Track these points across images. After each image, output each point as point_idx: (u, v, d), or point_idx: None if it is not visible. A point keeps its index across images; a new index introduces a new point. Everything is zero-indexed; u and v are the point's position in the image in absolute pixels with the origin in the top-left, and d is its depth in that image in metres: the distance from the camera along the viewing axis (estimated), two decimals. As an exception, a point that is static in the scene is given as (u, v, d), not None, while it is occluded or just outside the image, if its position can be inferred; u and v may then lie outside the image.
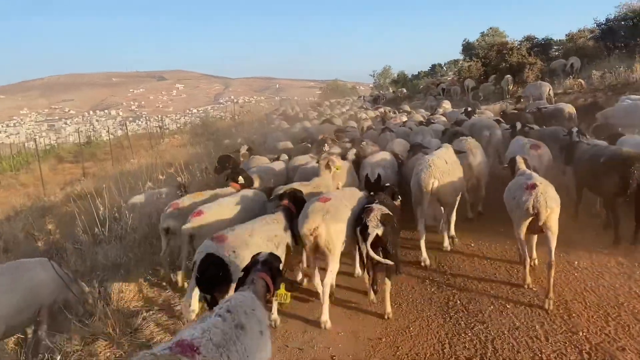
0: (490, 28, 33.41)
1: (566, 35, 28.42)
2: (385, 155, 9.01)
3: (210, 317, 3.14)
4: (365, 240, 5.34)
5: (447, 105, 23.09)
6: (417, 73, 55.22)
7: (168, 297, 6.78)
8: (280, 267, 4.09)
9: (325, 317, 5.59)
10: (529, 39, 29.70)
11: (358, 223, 5.54)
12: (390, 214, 5.56)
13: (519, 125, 10.32)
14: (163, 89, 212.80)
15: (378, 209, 5.50)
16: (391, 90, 44.43)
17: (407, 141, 11.17)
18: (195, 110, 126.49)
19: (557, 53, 30.33)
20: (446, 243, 7.42)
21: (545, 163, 8.11)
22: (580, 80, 20.19)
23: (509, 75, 25.79)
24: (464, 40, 34.42)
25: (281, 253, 5.38)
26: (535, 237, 6.22)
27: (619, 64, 21.40)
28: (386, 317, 5.66)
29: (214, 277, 4.76)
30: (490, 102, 24.26)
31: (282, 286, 3.92)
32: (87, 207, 9.80)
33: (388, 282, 5.66)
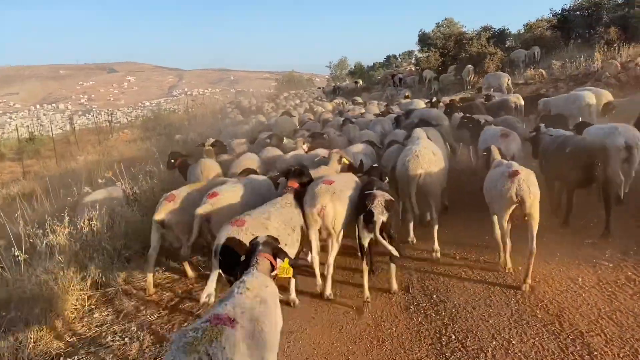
0: (446, 19, 32.86)
1: (524, 25, 28.25)
2: (363, 145, 9.09)
3: (233, 296, 3.26)
4: (369, 227, 5.32)
5: (408, 94, 22.70)
6: (372, 64, 55.61)
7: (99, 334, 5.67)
8: (284, 247, 4.34)
9: (328, 290, 5.92)
10: (486, 29, 29.40)
11: (361, 210, 5.46)
12: (393, 199, 5.51)
13: (458, 116, 10.34)
14: (114, 81, 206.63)
15: (382, 195, 5.42)
16: (347, 82, 43.72)
17: (371, 131, 11.24)
18: (148, 103, 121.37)
19: (513, 44, 30.27)
20: (436, 246, 6.78)
21: (514, 151, 8.00)
22: (541, 70, 19.86)
23: (470, 66, 25.45)
24: (419, 31, 33.84)
25: (297, 236, 5.59)
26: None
27: (578, 54, 21.23)
28: (392, 291, 5.87)
29: (236, 260, 4.59)
30: (451, 93, 23.87)
31: (286, 261, 4.05)
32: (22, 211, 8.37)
33: (393, 265, 5.81)
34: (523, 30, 28.57)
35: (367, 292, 5.76)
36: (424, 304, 5.62)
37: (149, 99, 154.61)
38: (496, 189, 5.79)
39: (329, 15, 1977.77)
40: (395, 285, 5.91)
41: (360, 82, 41.24)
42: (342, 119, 13.76)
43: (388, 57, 56.28)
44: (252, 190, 6.66)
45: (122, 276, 6.93)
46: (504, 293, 5.62)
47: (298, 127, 15.27)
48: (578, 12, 27.48)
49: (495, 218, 6.01)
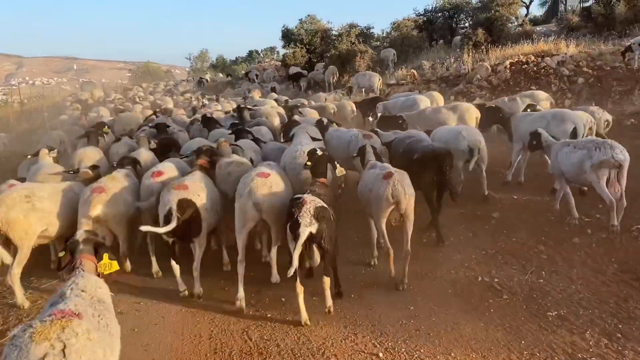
0: (309, 15, 31.60)
1: (391, 23, 27.71)
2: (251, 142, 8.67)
3: (68, 298, 3.21)
4: (295, 238, 4.71)
5: (257, 93, 21.25)
6: (235, 58, 54.97)
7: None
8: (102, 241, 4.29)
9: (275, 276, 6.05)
10: (352, 26, 28.48)
11: (289, 218, 4.94)
12: (326, 206, 4.98)
13: (325, 121, 9.89)
14: None
15: (311, 202, 4.87)
16: (208, 77, 41.09)
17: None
18: None
19: (379, 43, 29.81)
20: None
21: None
22: (413, 70, 19.05)
23: (332, 66, 24.19)
24: (283, 27, 32.34)
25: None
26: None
27: (444, 55, 20.93)
28: (327, 311, 5.20)
29: (191, 220, 5.59)
30: (320, 92, 22.45)
31: (105, 257, 3.96)
32: None
33: (326, 279, 5.12)
34: (390, 29, 27.99)
35: (304, 315, 5.10)
36: None
37: None
38: (371, 192, 5.81)
39: (187, 3, 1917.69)
40: (329, 301, 5.22)
41: (221, 75, 38.89)
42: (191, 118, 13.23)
43: (250, 52, 55.59)
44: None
45: None
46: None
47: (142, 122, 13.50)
48: (440, 14, 27.68)
49: (372, 221, 6.13)
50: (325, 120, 9.80)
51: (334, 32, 30.01)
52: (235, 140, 8.53)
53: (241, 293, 5.50)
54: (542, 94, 12.24)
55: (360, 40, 26.56)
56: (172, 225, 5.37)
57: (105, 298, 3.49)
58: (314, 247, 4.83)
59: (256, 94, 20.70)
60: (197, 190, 5.81)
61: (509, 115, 9.53)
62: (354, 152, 7.26)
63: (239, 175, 6.22)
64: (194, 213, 5.61)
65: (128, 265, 6.69)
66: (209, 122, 11.15)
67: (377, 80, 19.28)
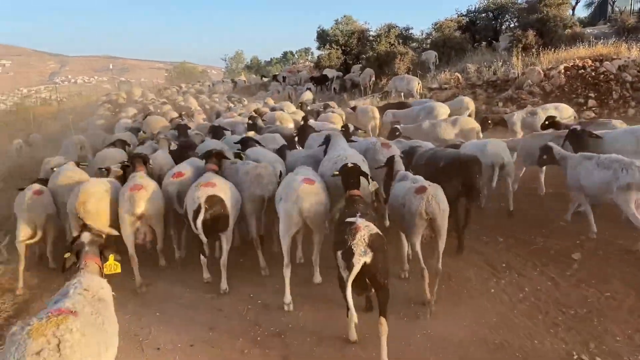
0: (345, 16, 30.55)
1: (433, 24, 26.22)
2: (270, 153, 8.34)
3: (70, 296, 3.34)
4: (348, 268, 4.19)
5: (270, 100, 20.48)
6: (269, 59, 55.21)
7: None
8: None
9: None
10: (390, 27, 27.21)
11: (340, 245, 4.37)
12: (381, 234, 4.42)
13: (351, 127, 9.65)
14: None
15: (365, 228, 4.33)
16: (242, 78, 40.64)
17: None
18: (25, 90, 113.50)
19: (417, 45, 28.47)
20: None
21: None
22: (457, 74, 17.74)
23: (369, 69, 22.98)
24: (318, 27, 31.30)
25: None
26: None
27: (489, 58, 19.53)
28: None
29: (219, 215, 5.90)
30: (356, 96, 21.39)
31: (111, 258, 4.18)
32: None
33: (383, 322, 4.37)
34: (431, 30, 26.52)
35: (353, 334, 4.89)
36: None
37: (27, 85, 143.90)
38: (404, 207, 5.42)
39: (225, 6, 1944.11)
40: (384, 353, 4.44)
41: (264, 78, 38.39)
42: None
43: (285, 54, 55.65)
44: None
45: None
46: None
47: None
48: (483, 14, 26.21)
49: (404, 237, 5.85)
50: (351, 127, 9.63)
51: (371, 33, 28.77)
52: (243, 149, 8.50)
53: (288, 297, 5.64)
54: (568, 110, 10.92)
55: (400, 41, 25.24)
56: (201, 218, 5.69)
57: (107, 297, 3.65)
58: (367, 280, 4.32)
59: (270, 100, 20.19)
60: (224, 188, 6.16)
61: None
62: (372, 162, 7.10)
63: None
64: (222, 209, 5.92)
65: (163, 260, 7.09)
66: (217, 133, 11.07)
67: (416, 84, 18.12)
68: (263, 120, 12.77)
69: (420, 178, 5.75)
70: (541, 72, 15.47)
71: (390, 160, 6.50)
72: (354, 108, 15.11)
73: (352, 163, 5.78)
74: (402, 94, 18.25)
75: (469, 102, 13.71)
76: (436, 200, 5.22)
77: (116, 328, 3.56)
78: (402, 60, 22.25)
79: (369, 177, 5.77)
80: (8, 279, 6.96)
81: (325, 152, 7.50)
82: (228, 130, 11.66)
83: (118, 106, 24.27)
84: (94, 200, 6.21)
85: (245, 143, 8.87)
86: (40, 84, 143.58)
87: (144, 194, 6.29)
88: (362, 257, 4.17)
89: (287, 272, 5.62)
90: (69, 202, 6.49)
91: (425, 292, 5.37)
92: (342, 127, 10.01)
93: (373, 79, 22.72)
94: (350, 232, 4.33)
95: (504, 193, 8.14)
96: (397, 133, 10.29)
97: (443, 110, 12.60)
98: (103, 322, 3.35)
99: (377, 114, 13.77)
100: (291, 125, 12.35)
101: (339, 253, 4.38)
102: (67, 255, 4.12)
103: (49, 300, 3.45)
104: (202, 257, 6.23)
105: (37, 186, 7.14)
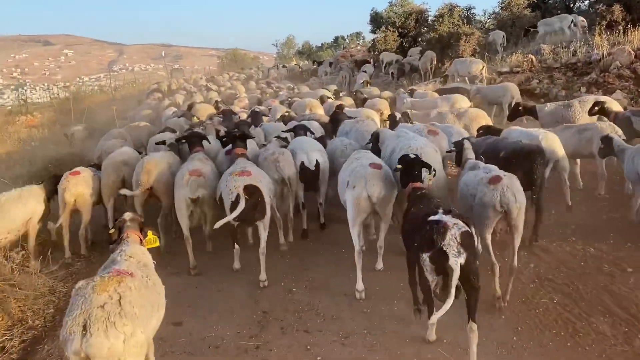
0: (399, -4, 28.87)
1: (500, 1, 24.05)
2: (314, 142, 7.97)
3: (119, 262, 3.73)
4: (440, 272, 3.92)
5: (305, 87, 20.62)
6: (320, 45, 54.12)
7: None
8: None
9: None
10: (453, 6, 25.12)
11: (426, 244, 3.94)
12: (470, 230, 3.99)
13: (398, 116, 9.42)
14: (50, 54, 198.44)
15: (454, 225, 3.91)
16: (294, 64, 39.79)
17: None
18: (86, 79, 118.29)
19: (480, 25, 26.42)
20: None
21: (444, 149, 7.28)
22: (530, 56, 15.88)
23: (430, 52, 21.23)
24: (371, 10, 29.91)
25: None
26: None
27: (561, 38, 17.50)
28: None
29: (256, 202, 5.84)
30: (415, 81, 19.84)
31: (150, 233, 4.56)
32: None
33: (474, 328, 4.04)
34: (499, 8, 24.35)
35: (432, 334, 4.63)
36: None
37: (88, 74, 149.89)
38: (476, 198, 5.09)
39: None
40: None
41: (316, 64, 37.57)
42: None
43: (336, 38, 54.76)
44: None
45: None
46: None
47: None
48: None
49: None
50: (397, 115, 9.30)
51: (430, 14, 27.03)
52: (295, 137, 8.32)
53: (360, 285, 5.54)
54: (612, 104, 9.09)
55: (464, 21, 23.33)
56: (240, 209, 5.65)
57: (149, 263, 4.01)
58: (458, 284, 3.87)
59: (304, 87, 20.14)
60: (259, 176, 6.20)
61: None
62: None
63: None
64: (259, 197, 5.88)
65: (210, 245, 7.16)
66: (255, 118, 10.90)
67: (479, 67, 16.49)
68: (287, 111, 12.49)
69: (493, 167, 5.42)
70: (632, 52, 13.50)
71: (459, 145, 6.24)
72: (411, 93, 14.10)
73: (412, 154, 5.47)
74: (467, 78, 16.66)
75: (513, 90, 12.73)
76: (512, 191, 4.89)
77: (163, 291, 3.85)
78: (468, 41, 20.43)
79: (432, 169, 5.36)
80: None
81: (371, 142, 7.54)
82: (267, 116, 11.91)
83: (169, 94, 24.13)
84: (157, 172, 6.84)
85: (297, 131, 8.59)
86: (100, 72, 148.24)
87: (201, 180, 6.43)
88: (457, 259, 3.80)
89: (358, 260, 5.53)
90: (135, 172, 7.03)
91: (496, 289, 5.08)
92: (388, 116, 10.00)
93: (434, 62, 21.07)
94: (438, 231, 3.89)
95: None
96: (398, 119, 9.26)
97: (464, 104, 11.83)
98: (154, 284, 3.70)
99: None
100: (321, 112, 12.25)
101: (425, 256, 3.97)
102: (111, 231, 4.52)
103: (100, 269, 3.76)
104: (235, 246, 6.37)
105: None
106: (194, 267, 6.47)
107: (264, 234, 6.05)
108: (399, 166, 5.34)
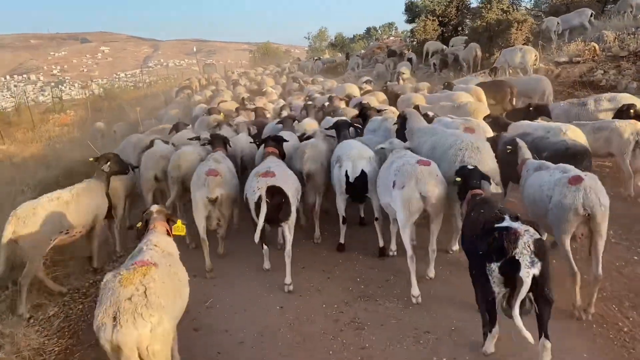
0: (436, -15, 27.23)
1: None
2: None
3: (145, 252, 3.91)
4: (509, 284, 3.74)
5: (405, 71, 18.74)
6: (352, 36, 53.22)
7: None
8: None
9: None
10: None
11: (495, 253, 3.77)
12: (543, 237, 3.84)
13: (431, 114, 8.82)
14: (87, 52, 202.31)
15: (525, 232, 3.73)
16: (327, 56, 38.86)
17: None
18: (123, 75, 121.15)
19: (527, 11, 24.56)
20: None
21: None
22: (593, 44, 14.28)
23: (474, 43, 19.73)
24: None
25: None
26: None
27: (626, 23, 15.78)
28: None
29: (280, 204, 5.76)
30: (462, 74, 18.41)
31: (179, 222, 4.77)
32: None
33: (548, 347, 3.88)
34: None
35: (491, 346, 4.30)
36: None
37: (124, 70, 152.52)
38: (554, 201, 4.70)
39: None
40: None
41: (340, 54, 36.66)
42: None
43: (368, 29, 53.74)
44: None
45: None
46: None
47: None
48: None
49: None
50: (430, 114, 8.72)
51: (472, 1, 25.46)
52: (338, 134, 7.72)
53: (416, 290, 5.38)
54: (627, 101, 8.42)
55: (514, 7, 21.59)
56: (263, 212, 5.59)
57: (174, 252, 4.26)
58: (530, 296, 3.69)
59: (330, 82, 19.51)
60: (283, 176, 6.05)
61: None
62: None
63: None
64: (282, 198, 5.77)
65: (222, 248, 7.06)
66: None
67: (532, 57, 15.00)
68: (309, 103, 12.03)
69: (569, 167, 5.05)
70: None
71: (514, 144, 5.84)
72: (449, 86, 12.96)
73: (471, 165, 5.32)
74: (519, 70, 15.18)
75: (545, 84, 11.76)
76: (595, 192, 4.54)
77: (186, 278, 4.08)
78: (520, 29, 18.76)
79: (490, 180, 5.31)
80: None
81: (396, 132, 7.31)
82: (293, 112, 11.80)
83: (200, 89, 23.66)
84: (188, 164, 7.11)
85: (341, 128, 7.99)
86: (135, 68, 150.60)
87: (219, 180, 6.37)
88: (530, 270, 3.62)
89: (412, 265, 5.38)
90: (169, 165, 7.31)
91: (576, 299, 4.77)
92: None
93: (479, 54, 19.55)
94: (509, 238, 3.70)
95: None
96: (432, 116, 8.67)
97: (465, 99, 10.86)
98: (177, 272, 3.95)
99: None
100: (343, 106, 11.86)
101: (494, 266, 3.78)
102: (138, 224, 4.66)
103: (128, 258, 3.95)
104: (264, 246, 6.35)
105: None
106: (210, 270, 6.41)
107: (289, 236, 5.95)
108: (458, 179, 5.12)
